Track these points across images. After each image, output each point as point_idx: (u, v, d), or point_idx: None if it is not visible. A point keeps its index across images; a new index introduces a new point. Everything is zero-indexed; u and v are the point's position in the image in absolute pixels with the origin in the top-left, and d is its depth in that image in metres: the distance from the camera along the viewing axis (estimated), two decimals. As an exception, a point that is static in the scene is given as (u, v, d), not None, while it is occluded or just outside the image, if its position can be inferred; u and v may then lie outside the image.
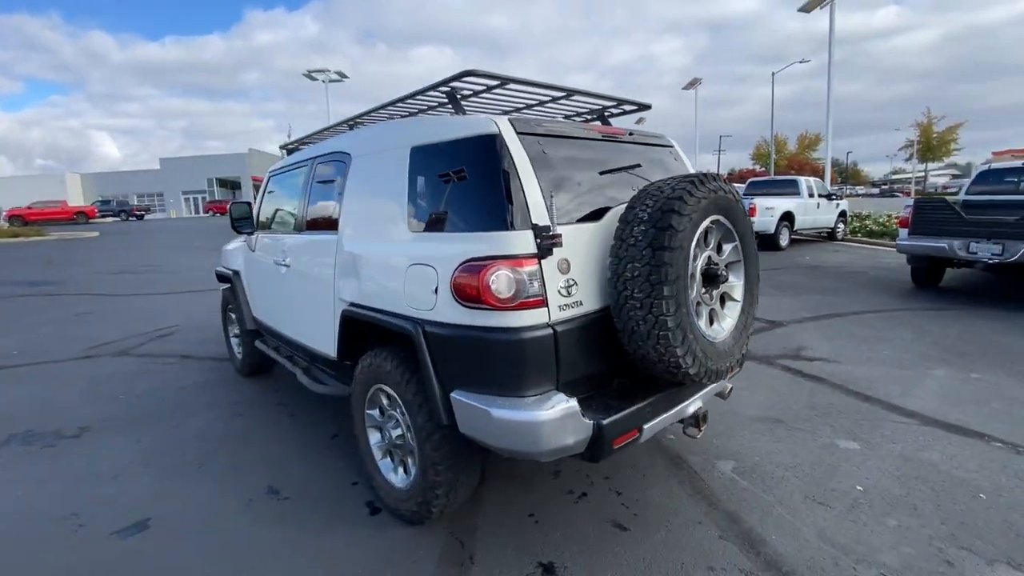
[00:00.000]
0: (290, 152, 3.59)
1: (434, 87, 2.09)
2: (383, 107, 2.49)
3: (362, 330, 2.28)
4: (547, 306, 1.68)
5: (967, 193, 7.58)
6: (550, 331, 1.67)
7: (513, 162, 1.73)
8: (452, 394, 1.75)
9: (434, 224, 1.90)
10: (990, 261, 5.73)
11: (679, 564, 1.92)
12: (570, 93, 2.35)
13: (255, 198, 3.80)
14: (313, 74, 20.92)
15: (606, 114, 2.62)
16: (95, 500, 2.44)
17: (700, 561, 1.93)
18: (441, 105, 2.43)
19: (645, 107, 2.56)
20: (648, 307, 1.65)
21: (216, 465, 2.75)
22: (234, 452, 2.89)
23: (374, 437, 2.35)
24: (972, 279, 7.25)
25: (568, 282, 1.75)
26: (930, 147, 40.14)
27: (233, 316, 4.16)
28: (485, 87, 2.11)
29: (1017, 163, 7.62)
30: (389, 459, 2.30)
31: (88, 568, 1.98)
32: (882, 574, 1.84)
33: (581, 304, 1.79)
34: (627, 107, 2.58)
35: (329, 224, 2.59)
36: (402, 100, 2.31)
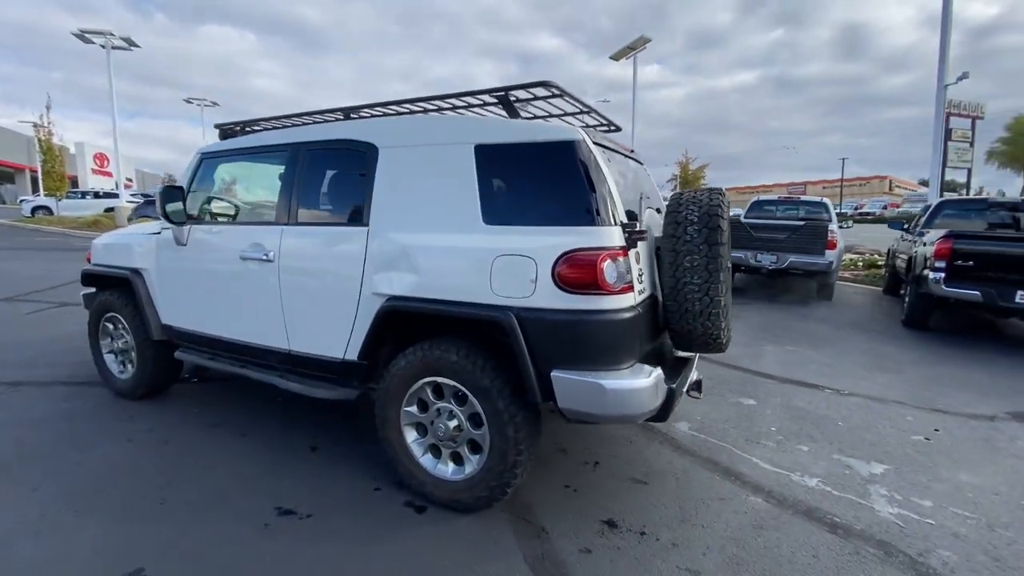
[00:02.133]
0: (227, 135, 3.11)
1: (494, 91, 2.20)
2: (417, 100, 2.45)
3: (404, 324, 2.23)
4: (633, 290, 1.98)
5: (745, 217, 10.07)
6: (637, 311, 1.97)
7: (598, 165, 1.99)
8: (553, 373, 1.91)
9: (516, 218, 2.03)
10: (770, 267, 7.78)
11: (701, 500, 2.38)
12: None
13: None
14: (88, 35, 16.49)
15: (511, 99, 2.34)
16: (47, 568, 1.86)
17: (712, 494, 2.43)
18: (468, 106, 2.50)
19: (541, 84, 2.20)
20: (705, 291, 2.07)
21: (180, 497, 2.30)
22: (193, 480, 2.45)
23: (411, 435, 2.30)
24: (757, 281, 9.61)
25: (639, 271, 2.08)
26: (687, 181, 50.66)
27: (115, 326, 3.37)
28: (532, 96, 2.31)
29: (774, 196, 10.43)
30: (431, 455, 2.29)
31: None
32: (820, 480, 2.58)
33: (645, 290, 2.13)
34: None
35: (341, 216, 2.44)
36: (452, 97, 2.34)
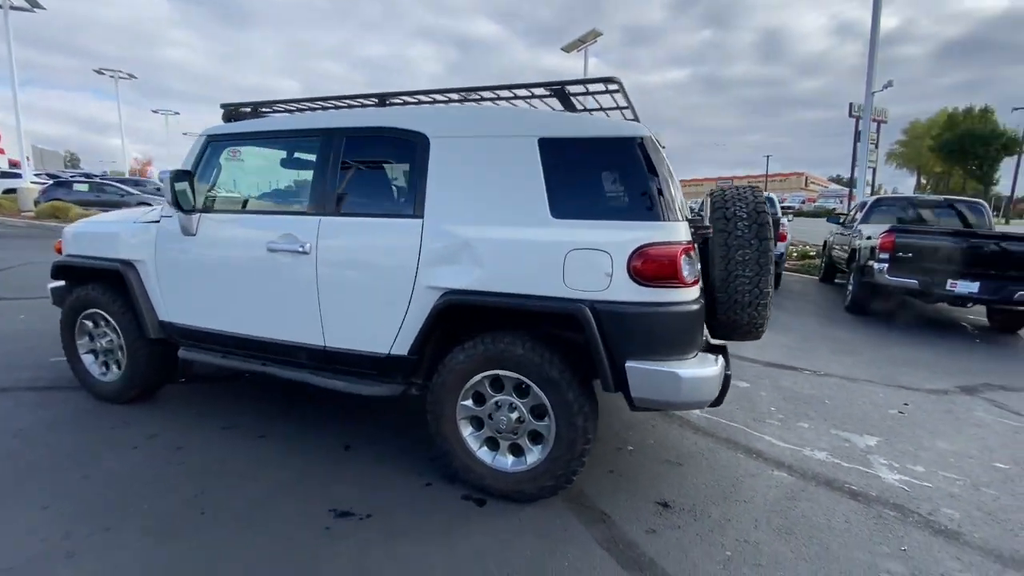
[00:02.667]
0: (234, 116, 2.87)
1: (551, 84, 2.20)
2: (474, 89, 2.39)
3: (456, 318, 2.21)
4: (699, 283, 2.07)
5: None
6: (701, 303, 2.08)
7: (663, 160, 2.06)
8: (628, 364, 1.97)
9: (585, 212, 2.05)
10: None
11: (734, 478, 2.55)
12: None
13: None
14: (-22, -9, 14.26)
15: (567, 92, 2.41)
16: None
17: (742, 472, 2.61)
18: (515, 98, 2.48)
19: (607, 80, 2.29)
20: (756, 282, 2.21)
21: (221, 506, 2.16)
22: (228, 487, 2.30)
23: (467, 429, 2.29)
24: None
25: (697, 264, 2.18)
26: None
27: (96, 324, 3.06)
28: (585, 91, 2.34)
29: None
30: (487, 448, 2.29)
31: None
32: (827, 453, 2.84)
33: (699, 282, 2.24)
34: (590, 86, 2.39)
35: (389, 207, 2.36)
36: (508, 88, 2.30)
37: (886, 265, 5.86)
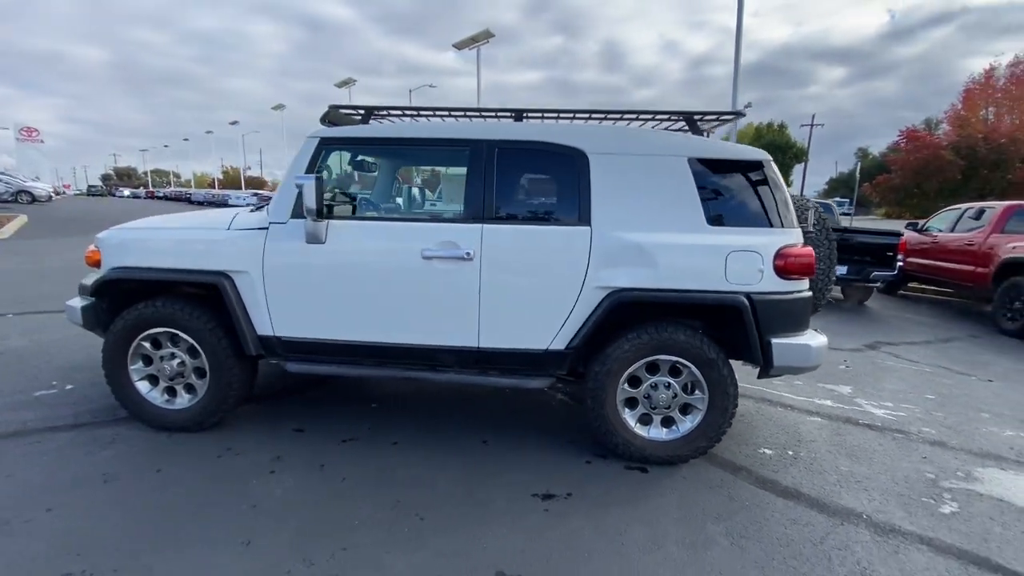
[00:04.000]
0: (333, 120, 2.74)
1: (683, 113, 2.62)
2: (613, 113, 2.68)
3: (629, 310, 2.54)
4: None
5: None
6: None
7: (781, 180, 2.63)
8: (773, 340, 2.50)
9: (732, 221, 2.52)
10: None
11: (789, 427, 3.27)
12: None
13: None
14: None
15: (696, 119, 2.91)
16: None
17: (790, 422, 3.34)
18: (635, 121, 2.83)
19: (737, 114, 3.09)
20: (826, 272, 2.90)
21: (439, 514, 2.22)
22: (421, 496, 2.34)
23: (626, 410, 2.64)
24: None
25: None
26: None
27: (160, 346, 2.72)
28: (708, 116, 2.80)
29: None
30: (641, 423, 2.66)
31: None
32: (830, 400, 3.73)
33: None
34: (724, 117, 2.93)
35: (554, 215, 2.57)
36: (645, 113, 2.63)
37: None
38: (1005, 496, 2.55)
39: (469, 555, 1.95)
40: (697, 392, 2.61)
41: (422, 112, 2.81)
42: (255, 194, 33.49)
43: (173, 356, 2.75)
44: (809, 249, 2.53)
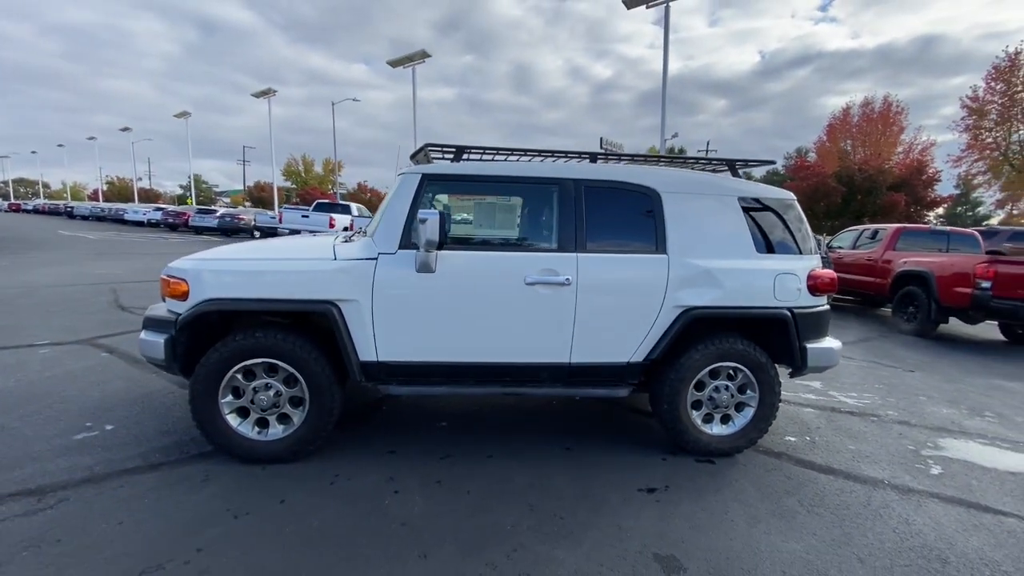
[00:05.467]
0: (420, 158, 2.92)
1: (725, 159, 3.16)
2: (665, 158, 3.11)
3: (698, 325, 2.98)
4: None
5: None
6: (827, 305, 3.33)
7: (803, 215, 3.24)
8: (808, 345, 3.08)
9: (773, 248, 3.08)
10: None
11: (794, 416, 3.91)
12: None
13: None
14: None
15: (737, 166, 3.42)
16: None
17: (793, 414, 3.99)
18: (678, 165, 3.31)
19: (769, 162, 3.73)
20: (828, 289, 3.58)
21: (575, 520, 2.48)
22: (551, 499, 2.59)
23: (694, 412, 3.07)
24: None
25: (811, 281, 3.42)
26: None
27: (251, 378, 2.72)
28: (729, 164, 3.36)
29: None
30: (703, 421, 3.11)
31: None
32: (811, 394, 4.47)
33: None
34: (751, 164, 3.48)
35: (635, 245, 2.96)
36: (690, 159, 3.12)
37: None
38: (966, 458, 3.32)
39: (621, 543, 2.25)
40: (749, 392, 3.11)
41: (514, 152, 3.10)
42: (159, 209, 30.22)
43: (268, 387, 2.74)
44: (831, 271, 3.16)
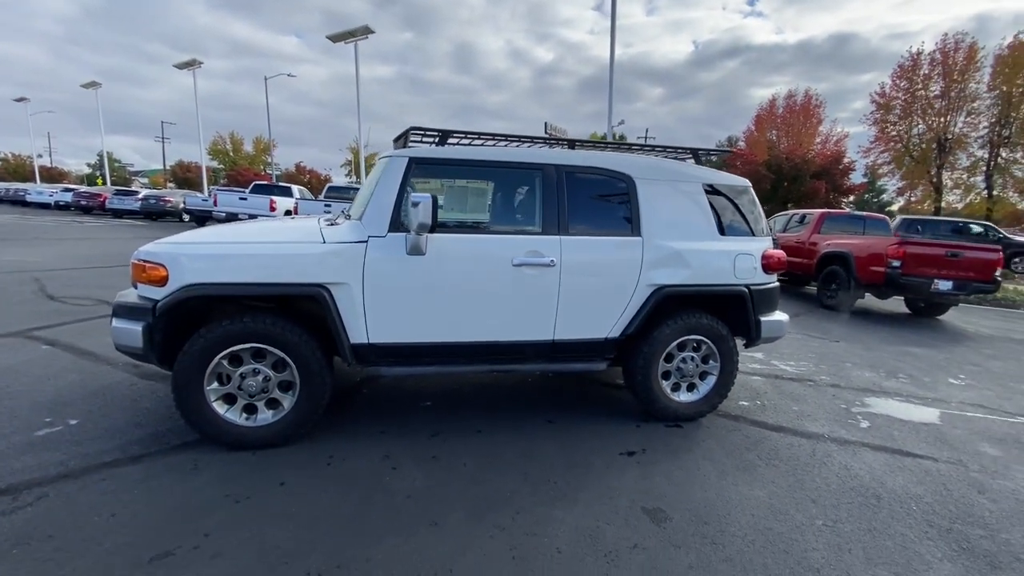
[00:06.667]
0: (402, 142, 2.94)
1: (693, 150, 3.39)
2: (635, 146, 3.28)
3: (669, 302, 3.23)
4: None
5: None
6: (775, 282, 3.68)
7: (758, 200, 3.56)
8: (761, 319, 3.42)
9: (732, 231, 3.36)
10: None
11: (746, 383, 4.31)
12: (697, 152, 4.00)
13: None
14: None
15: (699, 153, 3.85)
16: None
17: (745, 381, 4.40)
18: (648, 151, 3.52)
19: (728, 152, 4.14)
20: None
21: (571, 485, 2.66)
22: (542, 467, 2.76)
23: (663, 381, 3.34)
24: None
25: (761, 260, 3.76)
26: (359, 166, 52.44)
27: (238, 363, 2.69)
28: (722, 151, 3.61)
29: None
30: (672, 391, 3.39)
31: None
32: (756, 364, 4.93)
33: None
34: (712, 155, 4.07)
35: (613, 228, 3.14)
36: (658, 147, 3.32)
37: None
38: (887, 413, 3.83)
39: (611, 500, 2.46)
40: (711, 361, 3.42)
41: (495, 137, 3.17)
42: (69, 190, 27.28)
43: (256, 372, 2.71)
44: (782, 252, 3.50)
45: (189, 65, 24.87)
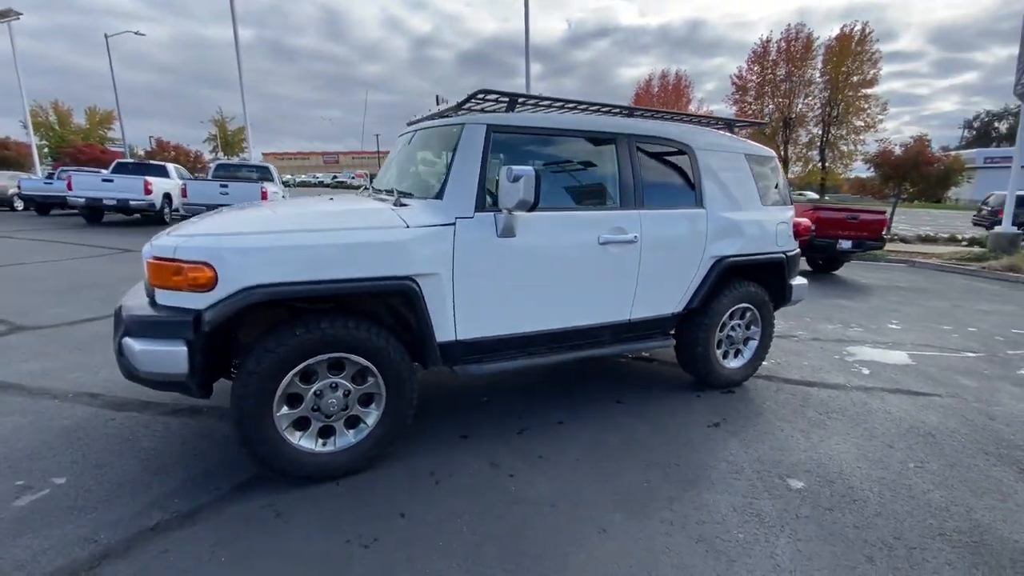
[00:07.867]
0: (456, 109, 2.54)
1: (727, 119, 3.44)
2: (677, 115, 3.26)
3: (727, 273, 3.28)
4: (796, 239, 3.88)
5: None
6: (793, 249, 3.91)
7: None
8: (792, 283, 3.63)
9: (766, 200, 3.49)
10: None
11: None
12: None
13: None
14: None
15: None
16: None
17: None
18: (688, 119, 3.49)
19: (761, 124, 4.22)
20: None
21: (678, 474, 2.60)
22: (606, 462, 2.66)
23: (720, 349, 3.42)
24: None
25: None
26: (227, 143, 46.31)
27: (311, 379, 2.23)
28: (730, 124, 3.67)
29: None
30: (723, 358, 3.49)
31: None
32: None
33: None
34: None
35: (680, 200, 3.07)
36: (697, 117, 3.31)
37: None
38: (872, 359, 4.34)
39: (741, 473, 2.46)
40: (753, 327, 3.57)
41: (568, 104, 2.93)
42: None
43: (334, 387, 2.24)
44: (805, 219, 3.73)
45: (4, 16, 19.39)
